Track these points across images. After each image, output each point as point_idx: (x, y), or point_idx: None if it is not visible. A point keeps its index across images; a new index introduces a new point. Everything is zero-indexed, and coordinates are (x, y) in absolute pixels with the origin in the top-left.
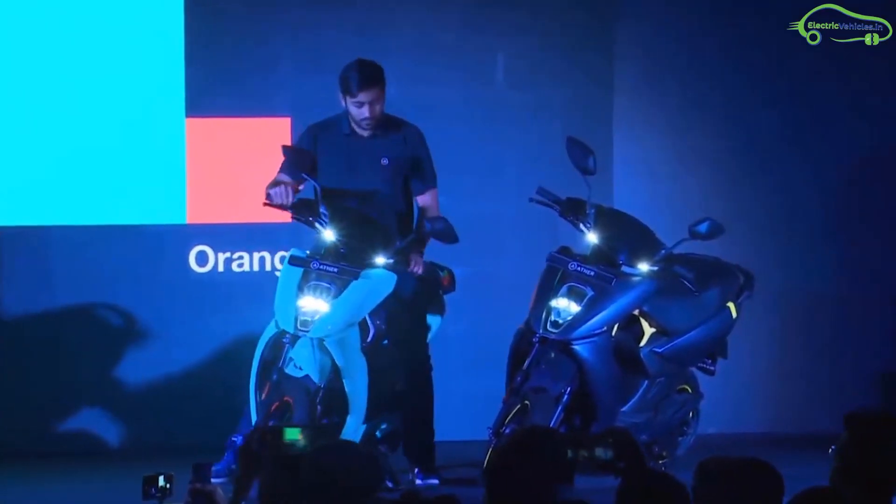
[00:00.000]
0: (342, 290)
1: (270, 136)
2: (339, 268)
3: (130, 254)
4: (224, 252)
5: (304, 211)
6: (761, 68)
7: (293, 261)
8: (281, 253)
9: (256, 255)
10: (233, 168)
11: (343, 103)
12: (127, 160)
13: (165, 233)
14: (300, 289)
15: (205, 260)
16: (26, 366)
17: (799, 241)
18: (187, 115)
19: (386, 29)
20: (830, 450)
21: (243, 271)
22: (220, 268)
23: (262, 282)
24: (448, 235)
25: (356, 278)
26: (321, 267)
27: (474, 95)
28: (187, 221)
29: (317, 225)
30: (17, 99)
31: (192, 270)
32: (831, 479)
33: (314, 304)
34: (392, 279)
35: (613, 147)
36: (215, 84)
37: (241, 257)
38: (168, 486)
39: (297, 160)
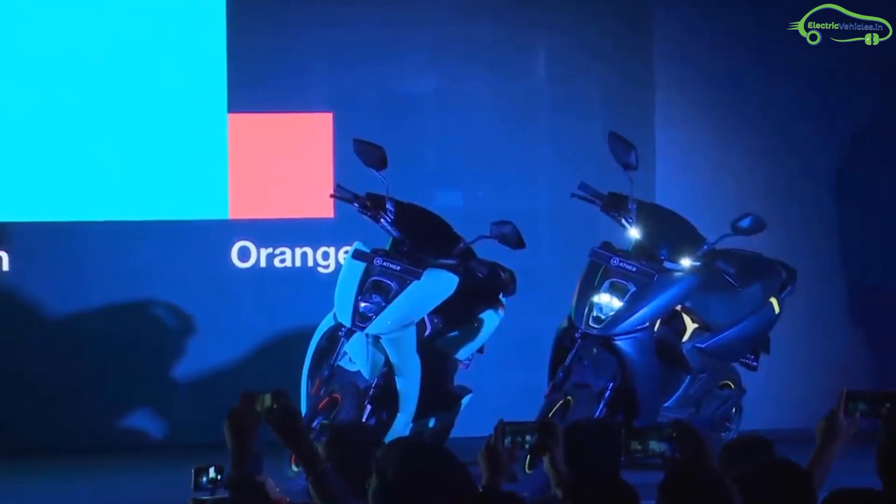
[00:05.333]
0: (403, 288)
1: (312, 131)
2: (402, 266)
3: (173, 249)
4: (266, 247)
5: (371, 206)
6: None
7: (357, 255)
8: (323, 248)
9: (298, 251)
10: (275, 164)
11: None
12: (170, 156)
13: (208, 228)
14: (362, 284)
15: (247, 255)
16: (69, 362)
17: (838, 236)
18: (229, 111)
19: (422, 24)
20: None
21: (285, 266)
22: (263, 263)
23: (304, 277)
24: (513, 239)
25: (418, 278)
26: (384, 264)
27: (512, 91)
28: (230, 217)
29: (382, 221)
30: (62, 96)
31: (235, 265)
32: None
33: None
34: (453, 281)
35: (656, 143)
36: (257, 80)
37: (282, 252)
38: (219, 477)
39: (367, 154)
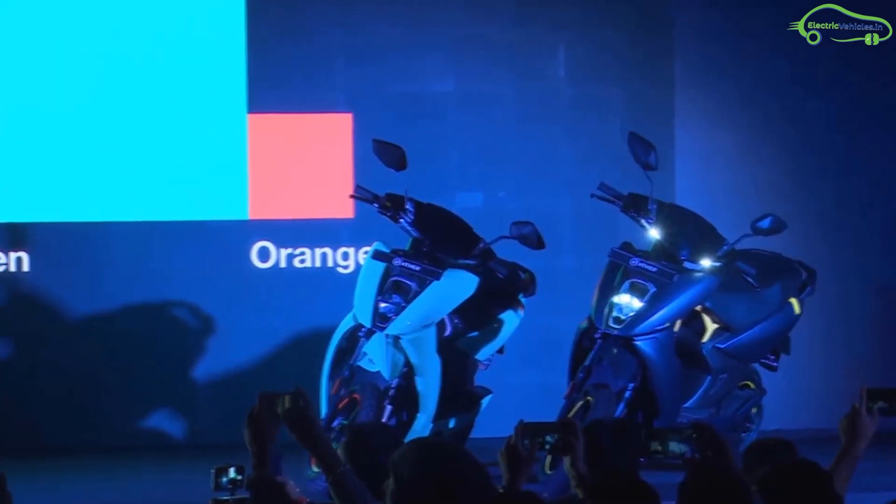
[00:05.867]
0: (423, 288)
1: (332, 131)
2: (422, 266)
3: (193, 250)
4: (286, 248)
5: (390, 206)
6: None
7: (376, 255)
8: (342, 248)
9: (318, 251)
10: (294, 164)
11: None
12: (190, 157)
13: (228, 228)
14: (382, 284)
15: (267, 255)
16: (89, 362)
17: (857, 236)
18: (249, 112)
19: (441, 24)
20: None
21: (305, 267)
22: (282, 263)
23: (324, 277)
24: (533, 240)
25: (438, 279)
26: (404, 264)
27: (532, 91)
28: (249, 217)
29: (401, 221)
30: (81, 96)
31: (254, 266)
32: None
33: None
34: (473, 281)
35: (675, 143)
36: (277, 80)
37: (302, 253)
38: (239, 477)
39: (387, 154)
